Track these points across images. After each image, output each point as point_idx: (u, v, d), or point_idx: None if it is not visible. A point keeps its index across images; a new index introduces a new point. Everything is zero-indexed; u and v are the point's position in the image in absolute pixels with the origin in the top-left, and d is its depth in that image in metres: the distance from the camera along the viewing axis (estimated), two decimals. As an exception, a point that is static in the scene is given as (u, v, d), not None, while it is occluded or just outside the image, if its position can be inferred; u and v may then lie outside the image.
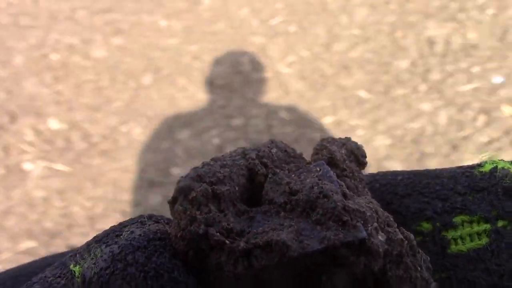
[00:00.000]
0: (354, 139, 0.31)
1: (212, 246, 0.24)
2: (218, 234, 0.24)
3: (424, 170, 0.32)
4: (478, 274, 0.28)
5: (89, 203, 1.46)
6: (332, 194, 0.25)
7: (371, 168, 1.45)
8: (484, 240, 0.28)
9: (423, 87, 1.70)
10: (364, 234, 0.24)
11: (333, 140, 0.30)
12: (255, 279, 0.25)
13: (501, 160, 0.30)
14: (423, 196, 0.30)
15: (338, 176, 0.27)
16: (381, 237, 0.24)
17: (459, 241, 0.28)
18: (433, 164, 1.46)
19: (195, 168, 0.27)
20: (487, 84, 1.69)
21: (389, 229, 0.25)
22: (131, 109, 1.70)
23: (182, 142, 1.60)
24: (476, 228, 0.28)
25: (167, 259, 0.25)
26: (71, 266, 0.26)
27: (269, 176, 0.27)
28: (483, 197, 0.29)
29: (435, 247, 0.29)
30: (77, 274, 0.26)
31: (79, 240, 1.36)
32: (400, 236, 0.25)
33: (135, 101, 1.73)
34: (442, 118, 1.60)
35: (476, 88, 1.68)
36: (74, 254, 0.27)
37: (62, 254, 0.35)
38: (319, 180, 0.26)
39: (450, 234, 0.29)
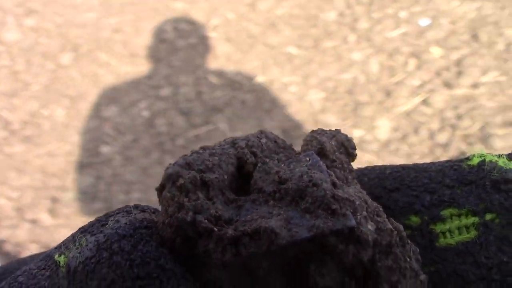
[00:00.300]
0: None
1: (200, 234, 0.24)
2: (206, 221, 0.24)
3: (412, 164, 0.32)
4: (467, 267, 0.28)
5: (15, 194, 1.37)
6: (322, 183, 0.25)
7: (308, 124, 1.42)
8: (473, 233, 0.28)
9: (352, 37, 1.68)
10: (353, 222, 0.24)
11: (323, 132, 0.31)
12: (243, 268, 0.25)
13: (489, 153, 0.30)
14: (411, 190, 0.30)
15: (327, 167, 0.27)
16: (371, 226, 0.24)
17: (447, 234, 0.28)
18: (368, 112, 1.44)
19: (183, 156, 0.27)
20: (414, 28, 1.68)
21: (379, 219, 0.25)
22: (51, 91, 1.61)
23: (110, 119, 1.52)
24: (465, 221, 0.28)
25: (154, 247, 0.25)
26: (56, 256, 0.26)
27: (258, 165, 0.28)
28: (471, 190, 0.29)
29: (424, 240, 0.29)
30: (61, 264, 0.25)
31: (8, 233, 1.28)
32: (390, 226, 0.25)
33: (55, 82, 1.64)
34: (374, 66, 1.58)
35: (404, 33, 1.67)
36: (59, 245, 0.27)
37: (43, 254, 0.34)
38: (308, 169, 0.26)
39: (439, 228, 0.29)
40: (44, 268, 0.27)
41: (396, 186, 0.31)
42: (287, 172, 0.26)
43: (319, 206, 0.24)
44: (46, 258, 0.28)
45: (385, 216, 0.26)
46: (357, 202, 0.25)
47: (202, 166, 0.26)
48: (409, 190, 0.30)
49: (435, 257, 0.29)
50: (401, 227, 0.26)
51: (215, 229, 0.24)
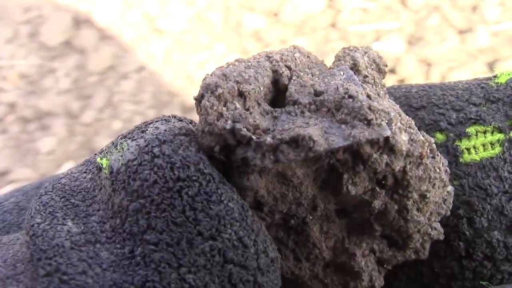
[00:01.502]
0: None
1: (238, 141, 0.25)
2: (245, 129, 0.25)
3: (439, 83, 0.32)
4: (490, 182, 0.29)
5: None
6: (358, 95, 0.25)
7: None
8: (497, 149, 0.29)
9: None
10: (388, 132, 0.24)
11: (355, 48, 0.31)
12: (279, 175, 0.26)
13: None
14: (438, 108, 0.31)
15: (360, 82, 0.28)
16: (404, 136, 0.25)
17: (472, 150, 0.29)
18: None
19: (220, 67, 0.27)
20: None
21: (412, 130, 0.26)
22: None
23: None
24: (490, 137, 0.29)
25: (193, 152, 0.26)
26: (98, 159, 0.27)
27: (293, 78, 0.28)
28: (498, 107, 0.29)
29: (448, 156, 0.30)
30: (104, 165, 0.27)
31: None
32: (422, 137, 0.26)
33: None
34: None
35: None
36: (100, 151, 0.28)
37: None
38: (343, 82, 0.27)
39: (464, 144, 0.29)
40: (85, 172, 0.28)
41: (422, 104, 0.31)
42: (322, 85, 0.27)
43: (355, 117, 0.25)
44: (86, 163, 0.29)
45: (417, 128, 0.26)
46: (392, 114, 0.25)
47: (239, 77, 0.26)
48: (435, 108, 0.31)
49: (459, 172, 0.29)
50: (432, 139, 0.27)
51: (254, 137, 0.25)
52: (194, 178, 0.25)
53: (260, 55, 0.29)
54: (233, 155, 0.26)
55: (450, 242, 0.29)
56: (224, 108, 0.26)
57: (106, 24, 1.42)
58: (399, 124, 0.25)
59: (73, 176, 0.29)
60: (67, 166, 1.19)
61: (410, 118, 0.27)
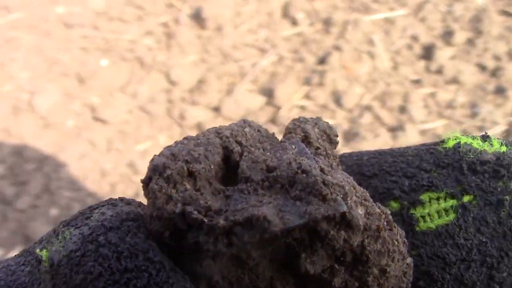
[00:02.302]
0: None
1: (189, 225, 0.24)
2: (196, 212, 0.23)
3: (389, 149, 0.32)
4: (448, 250, 0.28)
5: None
6: (311, 169, 0.25)
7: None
8: (452, 216, 0.28)
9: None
10: (344, 207, 0.24)
11: (305, 120, 0.30)
12: (234, 258, 0.24)
13: (464, 135, 0.30)
14: (390, 175, 0.30)
15: (312, 155, 0.27)
16: (361, 210, 0.24)
17: (427, 218, 0.28)
18: None
19: (168, 147, 0.26)
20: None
21: (367, 203, 0.25)
22: None
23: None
24: (443, 204, 0.28)
25: (142, 239, 0.24)
26: (37, 251, 0.25)
27: (244, 154, 0.27)
28: (448, 173, 0.29)
29: (404, 226, 0.29)
30: (44, 258, 0.24)
31: None
32: (378, 210, 0.25)
33: None
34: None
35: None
36: (40, 240, 0.26)
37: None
38: (296, 156, 0.26)
39: (418, 212, 0.29)
40: (23, 264, 0.26)
41: (374, 172, 0.30)
42: (274, 160, 0.26)
43: (310, 193, 0.24)
44: (25, 254, 0.27)
45: (372, 200, 0.26)
46: (347, 187, 0.24)
47: (188, 156, 0.25)
48: (388, 176, 0.30)
49: (416, 241, 0.28)
50: (388, 211, 0.26)
51: (206, 220, 0.23)
52: (143, 268, 0.23)
53: (209, 131, 0.28)
54: (184, 240, 0.24)
55: None
56: (174, 190, 0.24)
57: (46, 113, 1.41)
58: (354, 197, 0.25)
59: (10, 270, 0.26)
60: (-3, 254, 1.12)
61: (365, 190, 0.26)
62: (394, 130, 1.38)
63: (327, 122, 0.31)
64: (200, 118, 1.43)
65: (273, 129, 1.41)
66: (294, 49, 1.62)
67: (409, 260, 0.26)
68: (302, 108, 1.46)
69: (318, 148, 0.29)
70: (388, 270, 0.25)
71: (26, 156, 1.31)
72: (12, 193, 1.23)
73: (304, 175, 0.24)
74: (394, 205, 0.30)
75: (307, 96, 1.49)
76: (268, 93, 1.49)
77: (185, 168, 0.25)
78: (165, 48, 1.61)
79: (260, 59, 1.59)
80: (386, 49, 1.59)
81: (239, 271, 0.25)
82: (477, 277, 0.27)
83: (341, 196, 0.24)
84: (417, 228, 0.29)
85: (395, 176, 0.30)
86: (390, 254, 0.25)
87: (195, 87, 1.51)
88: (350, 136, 1.37)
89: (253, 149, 0.28)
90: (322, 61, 1.56)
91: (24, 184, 1.25)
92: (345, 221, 0.24)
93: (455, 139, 0.30)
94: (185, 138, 0.27)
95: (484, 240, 0.28)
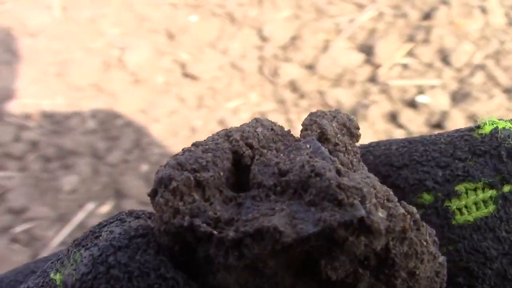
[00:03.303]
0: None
1: (199, 238, 0.23)
2: (204, 224, 0.23)
3: (419, 137, 0.30)
4: (488, 244, 0.27)
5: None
6: (325, 172, 0.23)
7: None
8: (491, 208, 0.27)
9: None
10: (362, 212, 0.22)
11: (322, 114, 0.29)
12: (249, 268, 0.23)
13: (501, 119, 0.29)
14: (421, 165, 0.29)
15: (330, 152, 0.26)
16: (381, 213, 0.23)
17: (464, 210, 0.27)
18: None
19: (175, 156, 0.25)
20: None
21: (390, 204, 0.24)
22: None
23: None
24: (481, 195, 0.27)
25: (152, 256, 0.24)
26: (52, 274, 0.25)
27: (256, 157, 0.26)
28: (486, 161, 0.28)
29: (439, 220, 0.28)
30: (58, 282, 0.24)
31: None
32: (402, 210, 0.24)
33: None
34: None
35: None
36: (55, 260, 0.26)
37: (45, 259, 0.33)
38: (310, 157, 0.25)
39: (454, 204, 0.27)
40: (42, 286, 0.26)
41: (404, 163, 0.29)
42: (287, 163, 0.25)
43: (324, 198, 0.23)
44: (43, 275, 0.26)
45: (396, 199, 0.24)
46: (365, 189, 0.23)
47: (196, 165, 0.25)
48: (419, 166, 0.29)
49: (453, 235, 0.27)
50: (414, 210, 0.25)
51: (215, 232, 0.23)
52: (155, 286, 0.23)
53: (219, 135, 0.27)
54: (196, 253, 0.24)
55: None
56: (181, 203, 0.23)
57: (136, 69, 1.39)
58: (373, 200, 0.23)
59: None
60: (89, 207, 1.11)
61: (388, 189, 0.25)
62: (510, 91, 1.24)
63: (347, 114, 0.29)
64: (294, 75, 1.35)
65: (373, 88, 1.30)
66: (395, 4, 1.50)
67: (441, 259, 0.25)
68: (405, 66, 1.35)
69: (337, 144, 0.27)
70: (417, 272, 0.24)
71: (116, 112, 1.29)
72: (103, 148, 1.22)
73: (318, 178, 0.23)
74: (427, 197, 0.28)
75: (410, 54, 1.38)
76: (367, 50, 1.39)
77: (192, 178, 0.24)
78: (256, 3, 1.54)
79: (357, 14, 1.49)
80: (500, 4, 1.44)
81: (257, 280, 0.24)
82: None
83: (359, 199, 0.22)
84: (454, 222, 0.27)
85: (427, 166, 0.28)
86: (419, 256, 0.24)
87: (288, 44, 1.44)
88: (459, 96, 1.25)
89: (265, 151, 0.27)
90: (427, 16, 1.44)
91: (115, 139, 1.24)
92: (364, 226, 0.22)
93: (492, 124, 0.28)
94: (193, 145, 0.26)
95: None
